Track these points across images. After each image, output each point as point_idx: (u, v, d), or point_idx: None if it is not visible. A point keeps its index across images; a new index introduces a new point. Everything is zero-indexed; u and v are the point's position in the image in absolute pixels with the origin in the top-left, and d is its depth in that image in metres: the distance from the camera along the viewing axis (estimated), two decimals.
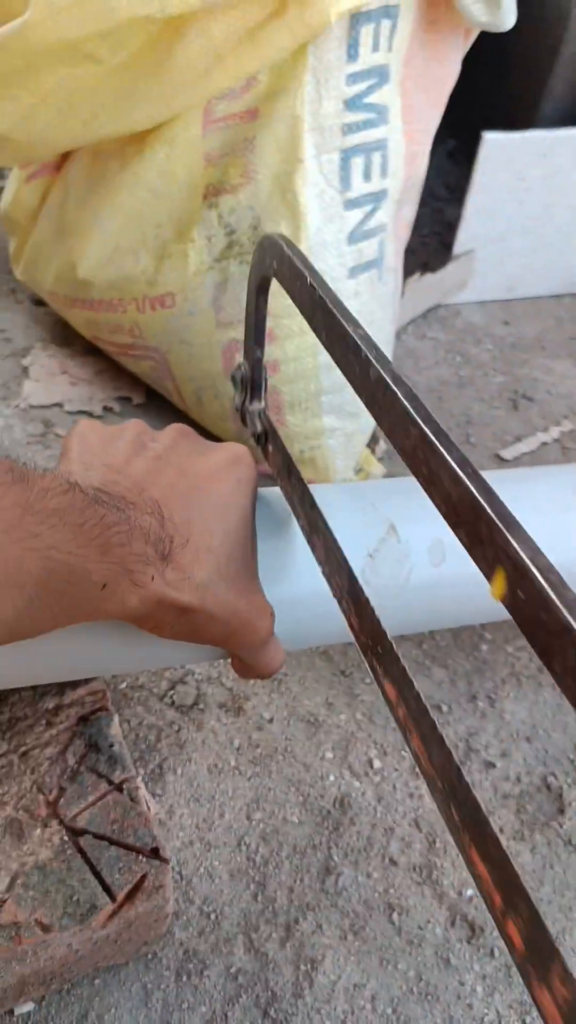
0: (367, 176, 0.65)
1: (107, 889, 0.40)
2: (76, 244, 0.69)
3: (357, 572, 0.35)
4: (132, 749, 0.55)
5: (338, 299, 0.32)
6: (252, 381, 0.46)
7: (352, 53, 0.60)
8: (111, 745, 0.45)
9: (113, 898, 0.40)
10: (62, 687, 0.47)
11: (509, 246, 1.05)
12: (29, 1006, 0.45)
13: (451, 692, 0.62)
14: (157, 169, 0.63)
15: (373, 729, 0.59)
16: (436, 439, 0.24)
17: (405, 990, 0.48)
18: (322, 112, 0.61)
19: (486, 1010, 0.47)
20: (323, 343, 0.33)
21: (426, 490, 0.25)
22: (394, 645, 0.30)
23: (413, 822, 0.54)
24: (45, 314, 0.86)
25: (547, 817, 0.55)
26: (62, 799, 0.43)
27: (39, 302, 0.87)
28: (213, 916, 0.49)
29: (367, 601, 0.33)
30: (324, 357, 0.67)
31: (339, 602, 0.35)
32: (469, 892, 0.51)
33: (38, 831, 0.41)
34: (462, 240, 1.02)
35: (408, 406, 0.26)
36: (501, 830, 0.54)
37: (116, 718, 0.46)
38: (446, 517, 0.23)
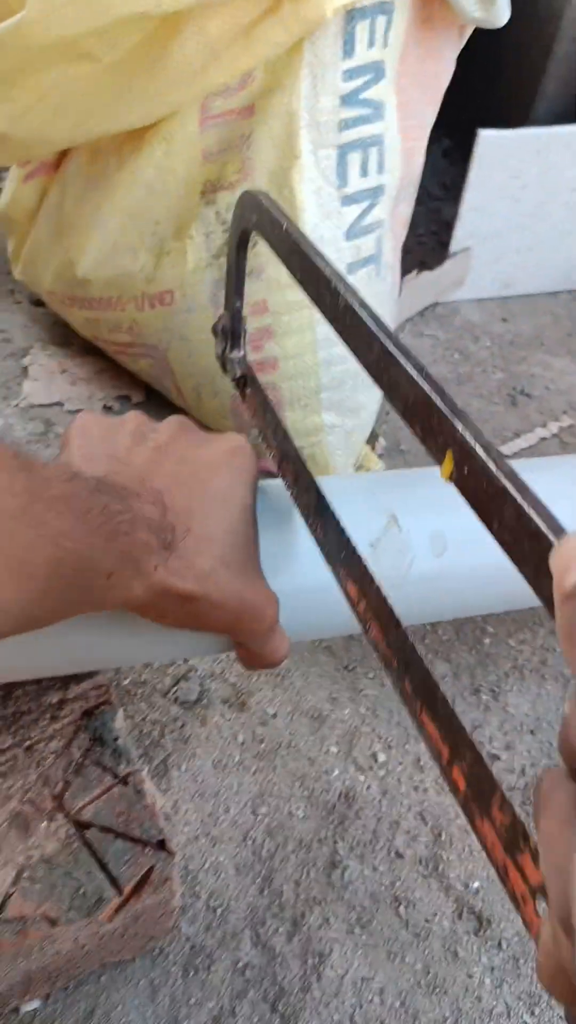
0: (364, 172, 0.65)
1: (114, 882, 0.40)
2: (74, 243, 0.70)
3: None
4: (136, 745, 0.55)
5: (311, 243, 0.35)
6: (232, 330, 0.49)
7: (348, 49, 0.60)
8: (116, 739, 0.45)
9: (120, 891, 0.40)
10: (66, 681, 0.47)
11: (505, 243, 1.05)
12: (35, 1003, 0.44)
13: (454, 686, 0.61)
14: (154, 166, 0.63)
15: (377, 723, 0.59)
16: (395, 350, 0.27)
17: (413, 983, 0.47)
18: (318, 108, 0.61)
19: (495, 1002, 0.47)
20: (300, 284, 0.36)
21: (388, 397, 0.28)
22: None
23: (418, 815, 0.54)
24: (44, 314, 0.86)
25: None
26: (67, 792, 0.42)
27: (38, 302, 0.87)
28: (219, 911, 0.49)
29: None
30: (324, 354, 0.67)
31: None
32: (476, 884, 0.51)
33: (44, 824, 0.41)
34: (458, 238, 1.03)
35: (371, 325, 0.29)
36: None
37: (120, 712, 0.46)
38: (404, 416, 0.27)
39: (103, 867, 0.40)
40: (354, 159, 0.64)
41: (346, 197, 0.65)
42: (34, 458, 0.30)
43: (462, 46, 0.71)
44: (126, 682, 0.58)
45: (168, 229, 0.66)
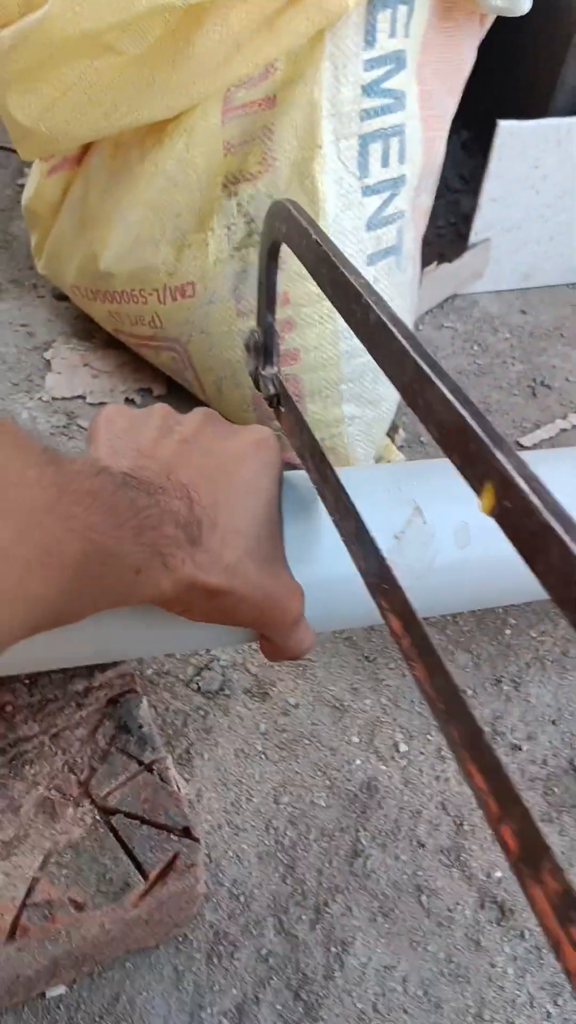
0: (385, 162, 0.65)
1: (139, 867, 0.40)
2: (97, 236, 0.70)
3: (384, 553, 0.36)
4: (159, 734, 0.55)
5: (340, 252, 0.34)
6: (265, 346, 0.47)
7: (369, 39, 0.60)
8: (140, 726, 0.45)
9: (145, 876, 0.40)
10: (91, 669, 0.47)
11: (525, 234, 1.05)
12: (61, 989, 0.45)
13: (475, 676, 0.61)
14: (176, 159, 0.63)
15: (399, 713, 0.59)
16: (430, 371, 0.26)
17: (436, 972, 0.48)
18: (340, 98, 0.61)
19: (518, 991, 0.47)
20: (327, 295, 0.34)
21: (422, 420, 0.27)
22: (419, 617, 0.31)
23: (440, 805, 0.54)
24: (67, 308, 0.87)
25: (575, 799, 0.55)
26: (93, 779, 0.43)
27: (61, 296, 0.88)
28: (243, 899, 0.49)
29: (393, 574, 0.33)
30: (344, 345, 0.67)
31: (363, 576, 0.36)
32: (498, 874, 0.51)
33: (70, 810, 0.41)
34: (478, 229, 1.02)
35: (404, 343, 0.27)
36: None
37: (145, 700, 0.47)
38: (440, 442, 0.25)
39: (129, 853, 0.41)
40: (375, 149, 0.64)
41: (367, 187, 0.65)
42: (62, 453, 0.30)
43: (483, 36, 0.71)
44: (149, 672, 0.59)
45: (190, 221, 0.66)
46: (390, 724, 0.58)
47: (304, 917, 0.49)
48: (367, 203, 0.65)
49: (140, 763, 0.44)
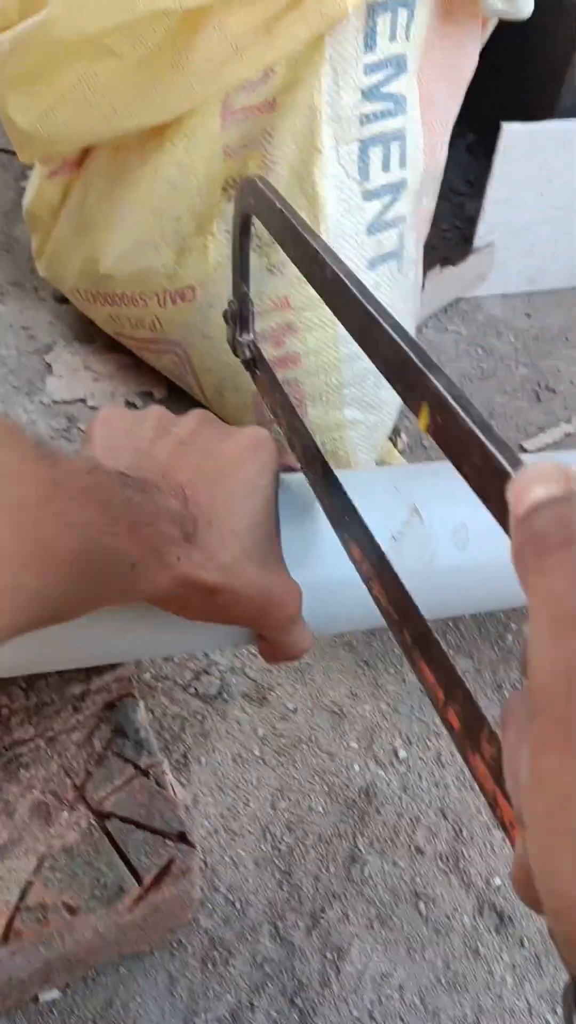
0: (386, 166, 0.65)
1: (134, 872, 0.40)
2: (98, 239, 0.70)
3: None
4: (156, 739, 0.55)
5: (304, 220, 0.37)
6: (240, 314, 0.51)
7: (369, 43, 0.60)
8: (137, 731, 0.45)
9: (140, 881, 0.40)
10: (88, 673, 0.47)
11: (530, 238, 1.04)
12: (54, 993, 0.45)
13: (477, 682, 0.61)
14: (176, 162, 0.63)
15: (398, 719, 0.58)
16: (377, 314, 0.29)
17: (433, 980, 0.47)
18: (340, 102, 0.61)
19: (516, 1000, 0.47)
20: (293, 261, 0.37)
21: (372, 359, 0.29)
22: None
23: (439, 811, 0.54)
24: (67, 311, 0.87)
25: None
26: (89, 783, 0.43)
27: (61, 299, 0.88)
28: (239, 904, 0.49)
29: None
30: (346, 349, 0.67)
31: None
32: (497, 881, 0.51)
33: (65, 814, 0.41)
34: (482, 233, 1.02)
35: (356, 293, 0.30)
36: None
37: (142, 704, 0.47)
38: (386, 375, 0.28)
39: (124, 857, 0.41)
40: (376, 153, 0.64)
41: (368, 192, 0.65)
42: (56, 450, 0.30)
43: (485, 39, 0.70)
44: (146, 676, 0.58)
45: (190, 225, 0.66)
46: (389, 730, 0.58)
47: (300, 923, 0.48)
48: (368, 207, 0.65)
49: (136, 767, 0.44)
